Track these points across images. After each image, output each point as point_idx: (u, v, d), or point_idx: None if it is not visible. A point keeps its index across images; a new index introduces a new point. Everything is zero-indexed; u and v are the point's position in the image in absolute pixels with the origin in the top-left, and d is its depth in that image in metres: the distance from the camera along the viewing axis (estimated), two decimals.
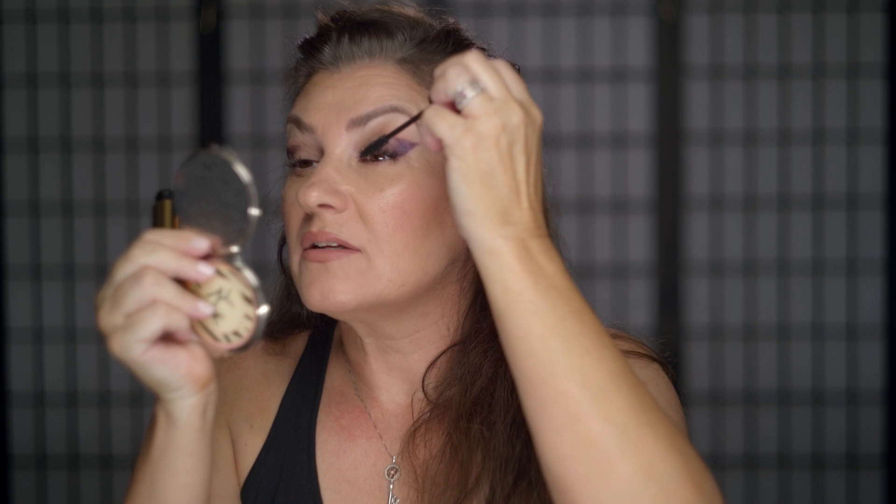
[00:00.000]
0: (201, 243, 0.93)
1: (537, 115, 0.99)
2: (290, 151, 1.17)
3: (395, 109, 1.13)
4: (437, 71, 0.98)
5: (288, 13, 3.29)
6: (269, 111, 3.27)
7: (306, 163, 1.16)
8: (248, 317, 0.94)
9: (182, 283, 0.93)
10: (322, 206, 1.11)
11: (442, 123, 0.97)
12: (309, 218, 1.12)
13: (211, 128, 3.27)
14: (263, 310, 0.93)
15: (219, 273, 0.94)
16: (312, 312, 1.26)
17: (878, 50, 3.24)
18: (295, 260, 1.14)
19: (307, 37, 1.20)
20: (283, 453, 1.22)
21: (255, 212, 0.92)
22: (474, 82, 0.97)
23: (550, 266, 0.98)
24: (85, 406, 3.32)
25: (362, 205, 1.11)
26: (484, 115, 0.96)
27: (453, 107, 0.98)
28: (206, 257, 0.94)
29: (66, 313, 3.33)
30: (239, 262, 0.94)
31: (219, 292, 0.94)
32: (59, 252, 3.33)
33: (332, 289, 1.10)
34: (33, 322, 3.33)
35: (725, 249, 3.30)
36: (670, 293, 3.27)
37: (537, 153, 0.99)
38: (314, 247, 1.12)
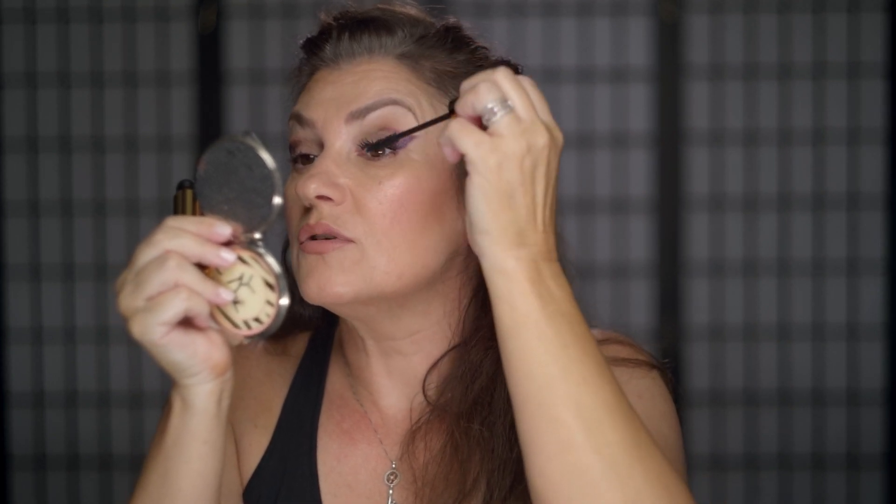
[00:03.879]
0: (224, 229, 0.94)
1: (560, 138, 1.01)
2: (292, 147, 1.18)
3: (394, 102, 1.13)
4: (466, 84, 0.99)
5: (288, 13, 3.29)
6: (269, 111, 3.26)
7: (307, 158, 1.16)
8: (269, 303, 0.94)
9: (202, 269, 0.94)
10: (320, 197, 1.12)
11: (468, 139, 0.97)
12: (308, 211, 1.13)
13: (211, 128, 3.26)
14: (285, 298, 0.94)
15: (241, 259, 0.94)
16: (314, 313, 1.27)
17: (879, 50, 3.24)
18: (294, 254, 1.15)
19: (309, 35, 1.21)
20: (286, 457, 1.22)
21: (278, 198, 0.92)
22: (504, 101, 0.97)
23: (559, 291, 0.99)
24: (84, 406, 3.31)
25: (360, 197, 1.12)
26: (511, 136, 0.97)
27: (478, 122, 0.98)
28: (228, 244, 0.94)
29: (66, 313, 3.32)
30: (261, 248, 0.94)
31: (240, 278, 0.94)
32: (59, 252, 3.32)
33: (328, 280, 1.11)
34: (32, 322, 3.32)
35: (726, 249, 3.29)
36: (670, 293, 3.27)
37: (556, 178, 1.01)
38: (312, 238, 1.12)
